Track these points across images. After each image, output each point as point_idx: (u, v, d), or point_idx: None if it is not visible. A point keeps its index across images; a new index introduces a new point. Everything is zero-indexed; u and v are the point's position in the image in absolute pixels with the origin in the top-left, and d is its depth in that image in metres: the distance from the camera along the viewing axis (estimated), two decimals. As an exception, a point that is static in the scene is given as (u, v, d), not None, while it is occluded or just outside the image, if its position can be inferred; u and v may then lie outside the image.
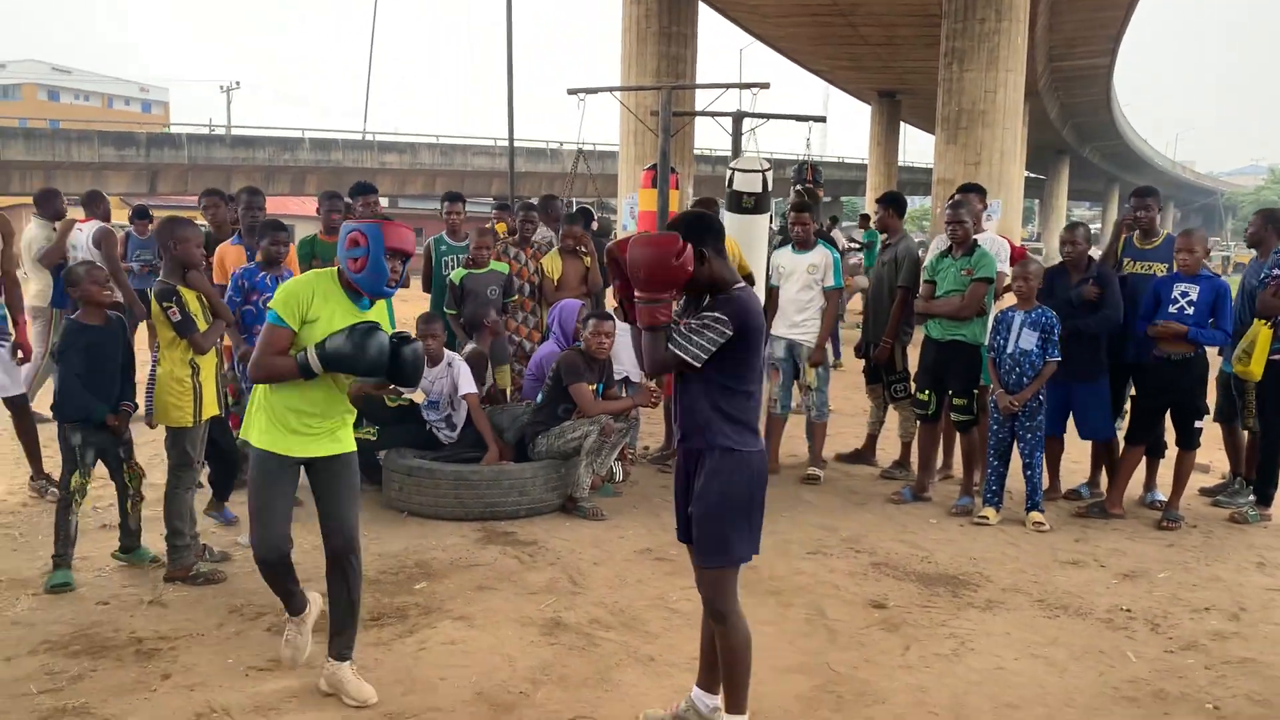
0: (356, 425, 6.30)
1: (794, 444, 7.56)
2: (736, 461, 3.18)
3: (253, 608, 4.41)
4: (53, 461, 6.59)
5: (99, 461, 4.82)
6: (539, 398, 6.34)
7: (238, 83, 48.07)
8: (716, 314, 3.12)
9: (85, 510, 5.01)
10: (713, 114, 12.41)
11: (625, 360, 6.65)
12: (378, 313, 3.74)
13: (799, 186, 10.59)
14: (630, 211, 16.38)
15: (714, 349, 3.11)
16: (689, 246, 3.07)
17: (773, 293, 7.07)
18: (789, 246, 7.09)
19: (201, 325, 4.77)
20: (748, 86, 12.41)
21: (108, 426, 4.69)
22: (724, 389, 3.17)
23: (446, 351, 6.42)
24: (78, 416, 4.62)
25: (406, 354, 3.57)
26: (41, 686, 3.66)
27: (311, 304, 3.57)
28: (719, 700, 3.38)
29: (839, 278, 6.95)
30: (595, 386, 6.23)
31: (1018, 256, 6.72)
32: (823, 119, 13.34)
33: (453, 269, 7.31)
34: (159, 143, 34.68)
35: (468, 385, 6.30)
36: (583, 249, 7.67)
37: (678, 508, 3.39)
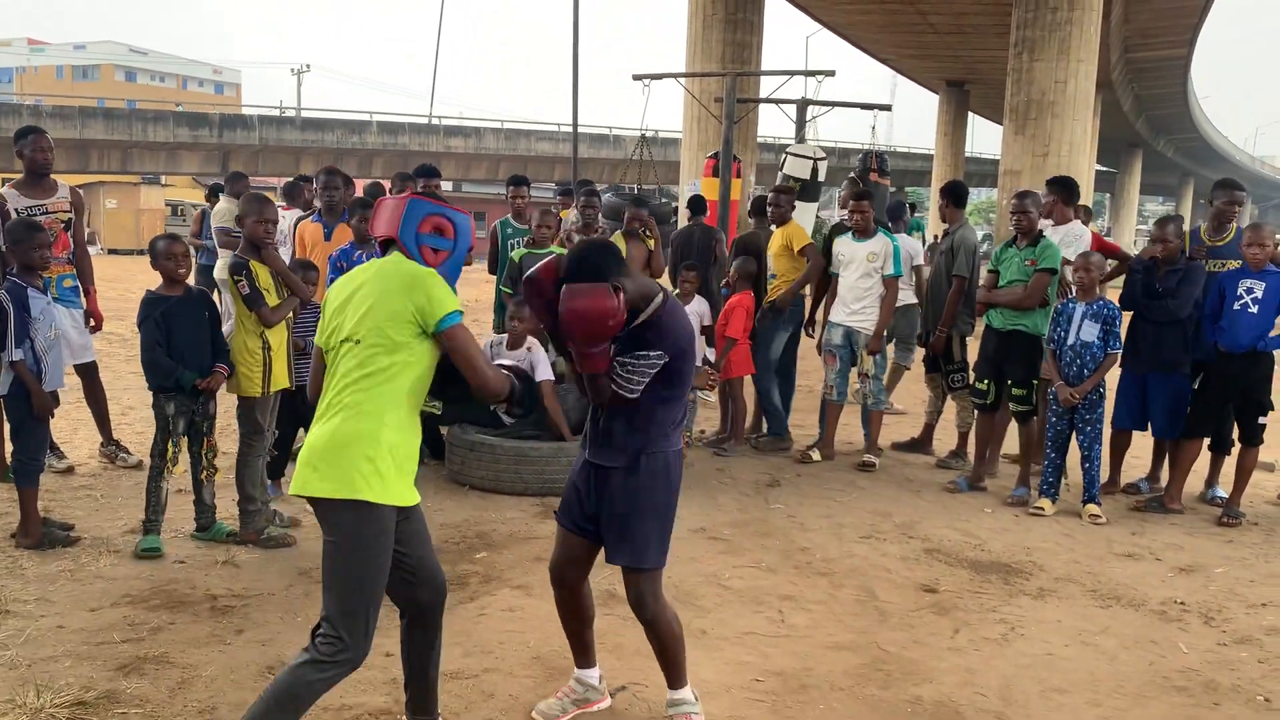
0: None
1: (849, 431, 7.59)
2: (665, 463, 3.21)
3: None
4: (129, 430, 6.87)
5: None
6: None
7: (308, 65, 49.05)
8: (649, 352, 3.08)
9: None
10: (777, 101, 12.41)
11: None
12: None
13: (852, 175, 10.57)
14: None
15: (650, 376, 3.10)
16: (620, 295, 2.96)
17: (832, 280, 7.11)
18: (849, 234, 7.11)
19: (272, 300, 4.94)
20: (813, 74, 12.36)
21: (199, 392, 4.83)
22: (663, 400, 3.17)
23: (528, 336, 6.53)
24: (164, 383, 4.77)
25: None
26: (124, 636, 3.86)
27: None
28: (598, 670, 3.51)
29: (899, 266, 6.96)
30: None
31: (1109, 250, 6.68)
32: (888, 107, 13.29)
33: (517, 250, 7.44)
34: (231, 124, 35.52)
35: (545, 372, 6.39)
36: (646, 232, 7.76)
37: (569, 503, 3.34)
